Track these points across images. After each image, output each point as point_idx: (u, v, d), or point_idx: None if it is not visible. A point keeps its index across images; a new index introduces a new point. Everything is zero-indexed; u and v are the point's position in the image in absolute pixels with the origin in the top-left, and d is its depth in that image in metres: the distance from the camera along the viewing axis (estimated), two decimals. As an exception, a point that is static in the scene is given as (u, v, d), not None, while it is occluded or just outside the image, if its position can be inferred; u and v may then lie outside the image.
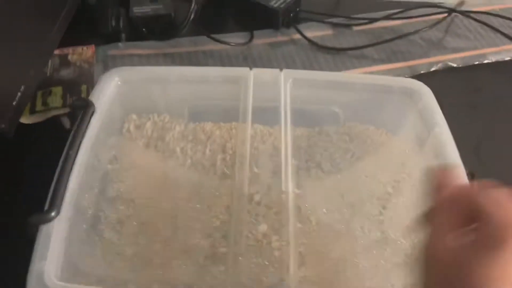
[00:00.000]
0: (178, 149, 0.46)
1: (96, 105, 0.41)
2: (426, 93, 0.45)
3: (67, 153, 0.37)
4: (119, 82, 0.44)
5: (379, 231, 0.37)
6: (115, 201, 0.38)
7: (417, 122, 0.44)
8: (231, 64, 0.66)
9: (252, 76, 0.45)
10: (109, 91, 0.43)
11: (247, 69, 0.45)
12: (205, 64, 0.66)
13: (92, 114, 0.39)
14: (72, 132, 0.39)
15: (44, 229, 0.33)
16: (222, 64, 0.66)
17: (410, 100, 0.45)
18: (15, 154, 0.51)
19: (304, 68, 0.65)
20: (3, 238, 0.43)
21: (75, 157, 0.37)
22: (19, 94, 0.40)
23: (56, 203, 0.34)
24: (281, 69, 0.45)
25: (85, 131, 0.39)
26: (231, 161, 0.45)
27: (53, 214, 0.33)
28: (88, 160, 0.38)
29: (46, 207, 0.33)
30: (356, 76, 0.52)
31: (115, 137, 0.43)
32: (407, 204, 0.38)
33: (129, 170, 0.40)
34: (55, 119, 0.56)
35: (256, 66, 0.66)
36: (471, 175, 0.49)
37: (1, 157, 0.51)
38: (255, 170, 0.39)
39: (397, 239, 0.36)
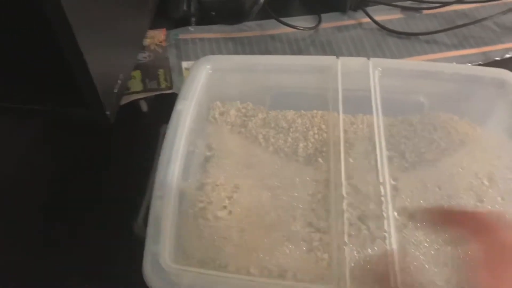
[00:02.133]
0: (260, 136, 0.46)
1: (189, 93, 0.43)
2: (518, 84, 0.44)
3: (167, 142, 0.39)
4: (210, 71, 0.45)
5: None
6: (217, 188, 0.39)
7: (508, 113, 0.43)
8: (298, 48, 0.66)
9: (340, 64, 0.45)
10: (201, 79, 0.43)
11: (334, 57, 0.45)
12: (273, 47, 0.66)
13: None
14: (170, 121, 0.40)
15: (153, 213, 0.35)
16: (290, 48, 0.66)
17: (502, 90, 0.44)
18: (103, 138, 0.53)
19: (374, 52, 0.65)
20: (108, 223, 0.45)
21: (175, 144, 0.39)
22: (119, 82, 0.42)
23: (162, 189, 0.36)
24: (368, 58, 0.45)
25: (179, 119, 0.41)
26: (313, 149, 0.45)
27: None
28: (187, 148, 0.39)
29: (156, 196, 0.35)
30: (444, 65, 0.52)
31: (207, 124, 0.44)
32: (504, 196, 0.38)
33: (226, 157, 0.42)
34: (134, 103, 0.58)
35: (324, 50, 0.66)
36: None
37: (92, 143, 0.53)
38: (351, 161, 0.39)
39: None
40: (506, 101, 0.44)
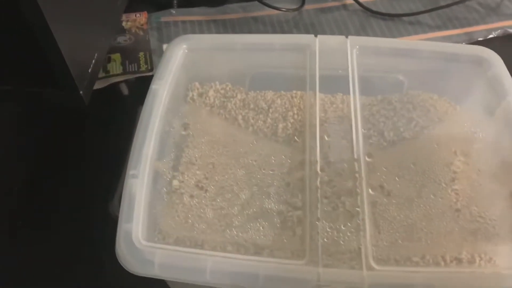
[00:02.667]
0: (240, 117, 0.46)
1: (165, 73, 0.42)
2: (496, 61, 0.44)
3: (142, 121, 0.38)
4: (186, 50, 0.44)
5: (452, 199, 0.37)
6: (192, 167, 0.39)
7: (486, 91, 0.43)
8: (282, 30, 0.66)
9: (318, 43, 0.45)
10: (177, 59, 0.43)
11: (312, 36, 0.45)
12: (256, 30, 0.65)
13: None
14: (145, 100, 0.40)
15: (127, 192, 0.35)
16: (273, 30, 0.65)
17: (479, 68, 0.44)
18: (80, 120, 0.53)
19: (357, 34, 0.64)
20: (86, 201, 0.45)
21: (150, 124, 0.38)
22: (93, 61, 0.41)
23: (136, 168, 0.36)
24: (346, 36, 0.45)
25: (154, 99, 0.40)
26: (292, 129, 0.45)
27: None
28: (162, 127, 0.39)
29: (130, 175, 0.34)
30: (424, 43, 0.51)
31: (183, 105, 0.44)
32: (479, 172, 0.38)
33: (202, 136, 0.41)
34: (114, 86, 0.58)
35: (308, 32, 0.65)
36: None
37: (70, 123, 0.53)
38: (326, 138, 0.39)
39: (470, 207, 0.37)
40: (484, 79, 0.44)
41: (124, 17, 0.64)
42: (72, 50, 0.37)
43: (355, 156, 0.37)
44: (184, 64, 0.44)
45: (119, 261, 0.33)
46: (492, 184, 0.37)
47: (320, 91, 0.47)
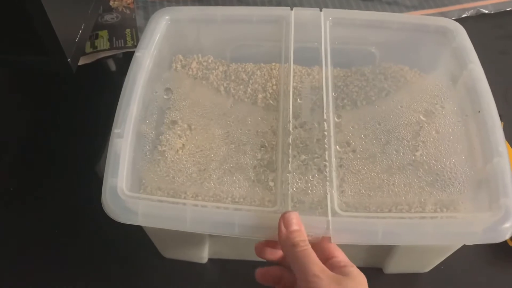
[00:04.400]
0: (222, 88, 0.49)
1: (148, 44, 0.44)
2: (460, 32, 0.46)
3: (127, 86, 0.41)
4: (169, 22, 0.46)
5: (413, 154, 0.40)
6: (173, 127, 0.42)
7: (451, 60, 0.46)
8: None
9: (293, 15, 0.47)
10: (160, 30, 0.45)
11: (288, 8, 0.48)
12: (239, 9, 0.67)
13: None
14: (129, 67, 0.42)
15: (112, 150, 0.37)
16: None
17: (445, 39, 0.47)
18: (70, 91, 0.55)
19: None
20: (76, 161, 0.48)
21: (134, 88, 0.41)
22: (80, 31, 0.43)
23: (121, 128, 0.38)
24: (321, 9, 0.47)
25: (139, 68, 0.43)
26: (271, 99, 0.48)
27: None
28: (145, 92, 0.42)
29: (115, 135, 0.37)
30: (394, 15, 0.54)
31: (167, 72, 0.46)
32: (439, 131, 0.41)
33: (183, 100, 0.44)
34: (101, 61, 0.60)
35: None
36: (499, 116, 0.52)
37: (60, 95, 0.55)
38: (298, 101, 0.42)
39: (429, 161, 0.39)
40: (449, 49, 0.47)
41: (111, -4, 0.66)
42: (60, 19, 0.40)
43: (325, 117, 0.40)
44: (167, 35, 0.47)
45: (105, 211, 0.35)
46: (449, 141, 0.40)
47: (297, 63, 0.50)
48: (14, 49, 0.42)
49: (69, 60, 0.41)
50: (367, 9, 0.68)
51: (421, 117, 0.42)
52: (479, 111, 0.39)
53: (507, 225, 0.34)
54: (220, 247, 0.44)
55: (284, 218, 0.33)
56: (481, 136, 0.39)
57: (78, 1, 0.45)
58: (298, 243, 0.32)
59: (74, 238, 0.45)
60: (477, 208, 0.37)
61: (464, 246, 0.38)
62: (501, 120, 0.53)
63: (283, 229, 0.32)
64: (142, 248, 0.44)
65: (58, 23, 0.40)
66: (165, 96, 0.44)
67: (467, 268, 0.45)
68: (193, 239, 0.42)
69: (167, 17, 0.46)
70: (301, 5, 0.68)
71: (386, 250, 0.42)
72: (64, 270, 0.44)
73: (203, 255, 0.45)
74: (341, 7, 0.68)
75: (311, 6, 0.68)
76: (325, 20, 0.47)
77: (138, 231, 0.38)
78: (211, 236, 0.41)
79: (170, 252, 0.46)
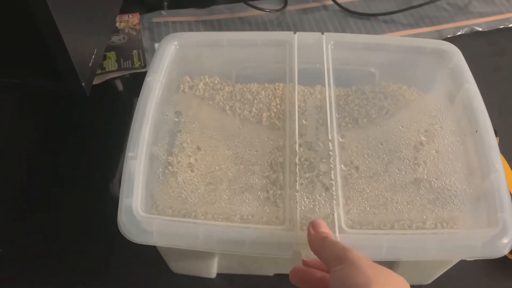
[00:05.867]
0: (227, 108, 0.51)
1: (158, 68, 0.46)
2: (456, 53, 0.49)
3: (139, 109, 0.43)
4: (177, 46, 0.48)
5: (414, 173, 0.42)
6: (184, 149, 0.44)
7: (448, 80, 0.48)
8: (266, 29, 0.70)
9: (296, 39, 0.49)
10: (169, 54, 0.47)
11: (291, 33, 0.50)
12: (242, 29, 0.70)
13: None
14: (141, 91, 0.44)
15: (126, 171, 0.39)
16: (258, 29, 0.70)
17: (441, 60, 0.49)
18: (80, 112, 0.57)
19: (336, 32, 0.69)
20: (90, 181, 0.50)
21: (145, 111, 0.43)
22: (93, 56, 0.45)
23: (134, 150, 0.40)
24: (322, 33, 0.50)
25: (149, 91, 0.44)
26: (275, 118, 0.50)
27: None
28: (157, 115, 0.43)
29: (129, 156, 0.39)
30: (391, 38, 0.56)
31: (176, 95, 0.48)
32: (439, 150, 0.43)
33: (192, 122, 0.46)
34: (109, 82, 0.62)
35: (290, 31, 0.70)
36: (493, 132, 0.54)
37: (69, 115, 0.57)
38: (304, 122, 0.44)
39: (430, 179, 0.41)
40: (446, 69, 0.49)
41: (117, 18, 0.68)
42: (75, 45, 0.42)
43: (330, 137, 0.42)
44: (175, 59, 0.49)
45: (121, 231, 0.37)
46: (448, 160, 0.42)
47: (300, 83, 0.52)
48: (30, 73, 0.44)
49: (83, 84, 0.43)
50: (365, 27, 0.70)
51: (422, 137, 0.44)
52: (476, 131, 0.41)
53: (505, 240, 0.35)
54: (229, 262, 0.46)
55: (313, 224, 0.35)
56: (479, 154, 0.41)
57: (91, 27, 0.47)
58: (327, 236, 0.33)
59: (83, 253, 0.47)
60: (476, 223, 0.39)
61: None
62: (496, 135, 0.55)
63: (311, 230, 0.34)
64: (152, 263, 0.46)
65: (73, 49, 0.42)
66: (175, 119, 0.46)
67: (468, 280, 0.47)
68: (203, 255, 0.43)
69: (175, 42, 0.48)
70: (302, 24, 0.70)
71: (390, 263, 0.43)
72: (75, 285, 0.45)
73: (212, 270, 0.47)
74: (340, 26, 0.70)
75: (311, 25, 0.70)
76: (327, 43, 0.49)
77: (148, 246, 0.40)
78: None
79: (180, 267, 0.48)
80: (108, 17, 0.50)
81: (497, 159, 0.40)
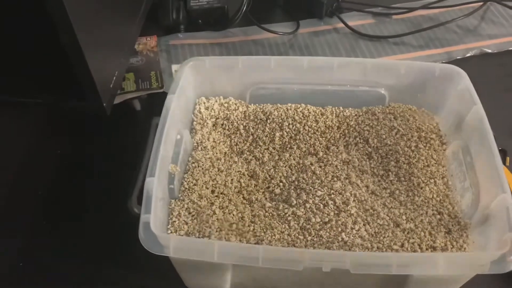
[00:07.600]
0: (241, 127, 0.53)
1: (176, 90, 0.49)
2: (463, 77, 0.50)
3: (158, 130, 0.45)
4: (195, 70, 0.51)
5: (425, 193, 0.43)
6: (198, 166, 0.45)
7: (456, 102, 0.50)
8: (279, 51, 0.72)
9: (308, 62, 0.51)
10: (187, 77, 0.50)
11: (304, 57, 0.52)
12: (256, 52, 0.72)
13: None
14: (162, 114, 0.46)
15: (146, 189, 0.41)
16: (271, 51, 0.72)
17: (450, 82, 0.50)
18: (99, 131, 0.60)
19: (347, 54, 0.71)
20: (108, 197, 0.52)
21: (164, 132, 0.45)
22: (114, 78, 0.48)
23: (153, 169, 0.42)
24: (333, 55, 0.52)
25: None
26: (288, 137, 0.51)
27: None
28: (174, 135, 0.45)
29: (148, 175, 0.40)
30: (401, 62, 0.58)
31: (192, 115, 0.50)
32: (448, 170, 0.44)
33: (206, 139, 0.48)
34: (128, 102, 0.64)
35: (302, 53, 0.72)
36: (503, 152, 0.55)
37: (90, 135, 0.59)
38: (315, 141, 0.45)
39: (441, 200, 0.42)
40: (454, 92, 0.50)
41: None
42: (98, 69, 0.44)
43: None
44: (193, 82, 0.51)
45: (143, 245, 0.38)
46: (458, 181, 0.43)
47: (311, 104, 0.53)
48: (56, 94, 0.46)
49: (104, 104, 0.45)
50: (376, 49, 0.72)
51: (431, 158, 0.45)
52: (483, 153, 0.43)
53: (513, 259, 0.36)
54: (242, 278, 0.47)
55: None
56: (486, 175, 0.42)
57: (113, 51, 0.49)
58: None
59: (100, 268, 0.48)
60: (485, 242, 0.40)
61: (477, 275, 0.41)
62: (507, 155, 0.56)
63: None
64: (166, 278, 0.47)
65: (96, 72, 0.44)
66: (191, 138, 0.48)
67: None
68: (217, 269, 0.45)
69: (193, 65, 0.51)
70: (313, 47, 0.72)
71: (400, 282, 0.44)
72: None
73: (226, 285, 0.48)
74: (351, 48, 0.72)
75: (322, 47, 0.72)
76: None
77: (164, 263, 0.41)
78: (234, 266, 0.44)
79: (194, 283, 0.49)
80: (128, 41, 0.53)
81: (504, 180, 0.41)
